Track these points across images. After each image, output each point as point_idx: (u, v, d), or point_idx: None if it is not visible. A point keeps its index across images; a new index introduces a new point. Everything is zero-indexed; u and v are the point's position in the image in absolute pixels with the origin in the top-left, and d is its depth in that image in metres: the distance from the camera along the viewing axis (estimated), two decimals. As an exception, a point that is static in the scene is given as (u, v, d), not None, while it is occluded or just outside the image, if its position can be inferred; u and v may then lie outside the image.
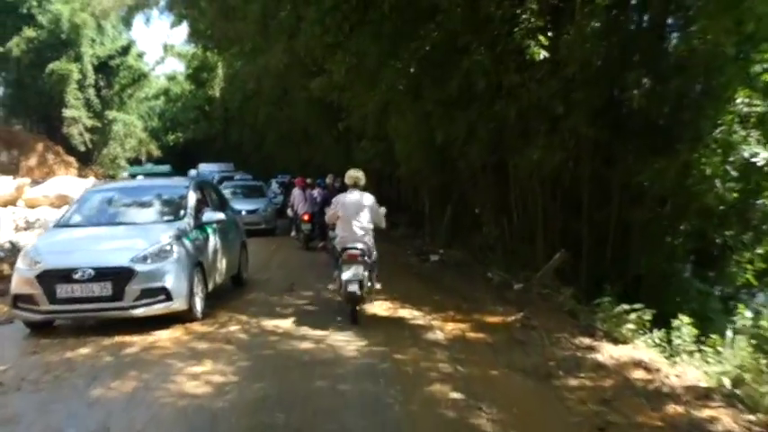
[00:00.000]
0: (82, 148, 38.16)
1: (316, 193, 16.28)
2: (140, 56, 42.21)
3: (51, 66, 35.84)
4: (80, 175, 38.49)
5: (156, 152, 43.55)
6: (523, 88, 9.67)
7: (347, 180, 7.94)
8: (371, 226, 7.71)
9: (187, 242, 7.48)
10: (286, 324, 7.45)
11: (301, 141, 25.44)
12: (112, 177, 42.04)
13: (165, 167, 10.16)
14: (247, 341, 6.71)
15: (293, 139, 26.07)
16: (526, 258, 11.54)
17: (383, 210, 8.09)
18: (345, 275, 7.22)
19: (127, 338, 6.72)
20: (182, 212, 7.91)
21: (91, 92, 38.34)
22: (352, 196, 7.71)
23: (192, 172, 31.52)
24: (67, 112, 36.85)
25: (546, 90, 9.44)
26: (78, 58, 37.58)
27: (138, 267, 6.85)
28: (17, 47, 35.96)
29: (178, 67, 43.49)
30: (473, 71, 10.17)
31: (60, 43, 37.04)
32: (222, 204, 9.86)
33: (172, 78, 44.54)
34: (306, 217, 15.13)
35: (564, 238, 11.00)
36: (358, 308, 7.51)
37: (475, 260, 12.77)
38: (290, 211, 15.99)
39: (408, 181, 17.42)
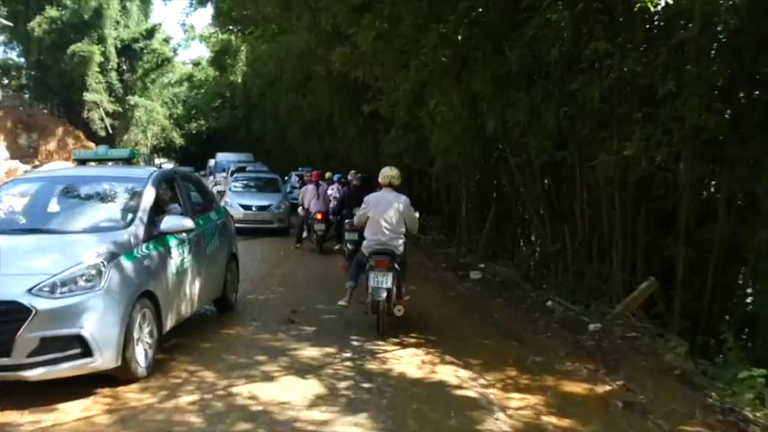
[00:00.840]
0: (102, 134, 36.12)
1: (333, 189, 13.67)
2: (166, 41, 40.03)
3: (73, 47, 33.78)
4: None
5: (179, 140, 41.39)
6: (614, 59, 6.88)
7: (381, 179, 7.05)
8: (403, 230, 6.83)
9: (127, 263, 4.83)
10: (270, 391, 4.76)
11: (325, 133, 22.79)
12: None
13: (124, 152, 7.38)
14: (199, 433, 4.05)
15: (316, 131, 23.43)
16: (596, 283, 8.77)
17: (416, 214, 7.26)
18: (372, 283, 6.43)
19: (13, 417, 4.13)
20: (129, 217, 5.26)
21: (113, 75, 36.30)
22: (385, 197, 6.89)
23: (212, 162, 29.16)
24: (88, 96, 34.87)
25: (648, 61, 6.65)
26: (101, 41, 35.54)
27: (39, 303, 4.22)
28: (39, 27, 34.05)
29: (204, 52, 41.07)
30: (542, 38, 7.45)
31: (83, 24, 35.01)
32: (207, 204, 7.25)
33: (197, 64, 42.19)
34: (318, 216, 12.52)
35: (648, 260, 8.24)
36: (387, 315, 6.54)
37: (526, 280, 9.99)
38: (300, 210, 13.35)
39: (443, 178, 14.64)
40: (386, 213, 6.69)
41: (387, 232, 6.64)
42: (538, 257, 10.48)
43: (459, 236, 13.72)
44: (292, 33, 17.38)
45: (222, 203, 15.85)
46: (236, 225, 15.11)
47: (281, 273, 10.11)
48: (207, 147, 39.24)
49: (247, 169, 18.79)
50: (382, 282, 6.36)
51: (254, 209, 15.10)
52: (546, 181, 9.94)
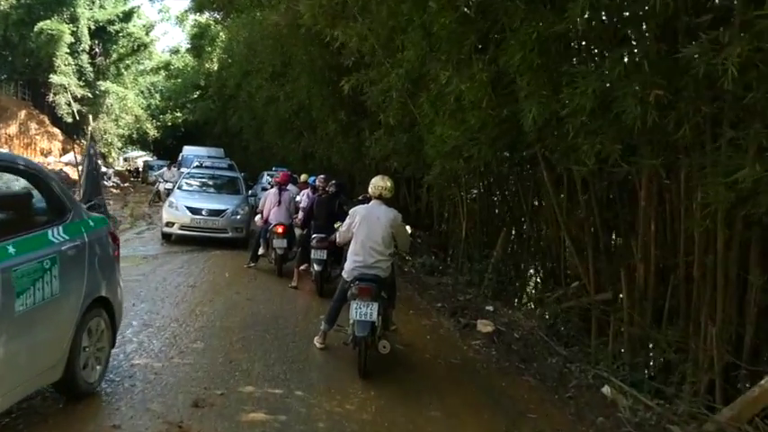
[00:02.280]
0: (69, 119, 32.39)
1: (303, 195, 10.54)
2: (146, 26, 36.49)
3: (41, 24, 30.20)
4: (63, 150, 32.86)
5: (153, 132, 37.78)
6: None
7: (371, 190, 5.86)
8: (392, 251, 5.73)
9: None
10: None
11: (303, 129, 19.56)
12: (102, 156, 36.43)
13: None
14: None
15: (294, 126, 20.15)
16: (673, 360, 5.72)
17: (409, 230, 6.34)
18: (355, 315, 5.27)
19: None
20: None
21: (84, 58, 32.72)
22: (374, 211, 5.70)
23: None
24: (55, 78, 31.21)
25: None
26: (74, 20, 31.97)
27: None
28: (5, 1, 30.39)
29: (184, 42, 37.46)
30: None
31: (54, 1, 31.38)
32: (53, 214, 4.01)
33: (175, 52, 38.65)
34: (279, 229, 9.38)
35: (759, 331, 5.22)
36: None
37: (556, 339, 6.90)
38: (258, 219, 10.19)
39: (438, 190, 11.50)
40: (374, 231, 5.59)
41: (373, 253, 5.55)
42: (572, 306, 7.38)
43: (457, 263, 10.59)
44: (271, 9, 14.43)
45: (166, 204, 12.68)
46: (182, 232, 12.15)
47: (210, 311, 6.83)
48: (183, 140, 35.74)
49: (204, 164, 15.33)
50: (366, 314, 5.25)
51: (204, 213, 11.81)
52: (592, 201, 6.85)
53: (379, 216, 5.62)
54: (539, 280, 9.12)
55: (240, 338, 5.84)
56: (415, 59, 8.37)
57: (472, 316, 7.70)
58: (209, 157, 20.85)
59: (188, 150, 22.75)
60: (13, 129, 31.63)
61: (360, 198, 8.80)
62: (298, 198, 10.79)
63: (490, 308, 8.15)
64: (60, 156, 31.68)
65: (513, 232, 9.98)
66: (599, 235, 7.08)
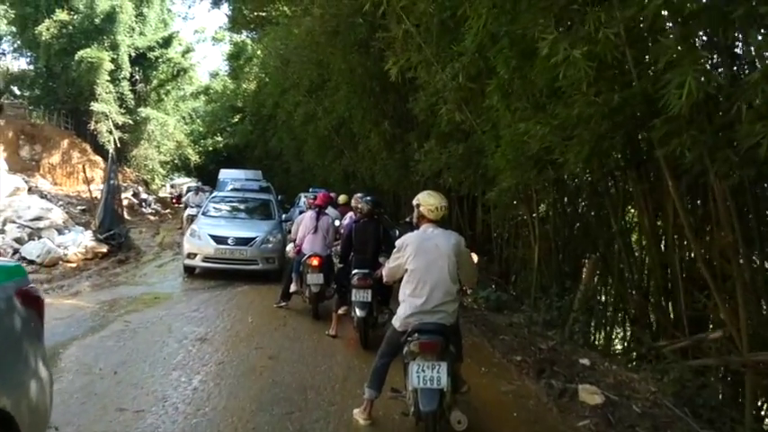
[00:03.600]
0: (111, 147, 31.71)
1: (347, 218, 8.85)
2: (186, 52, 35.79)
3: (81, 53, 29.67)
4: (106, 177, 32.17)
5: (195, 157, 36.81)
6: None
7: (430, 213, 4.28)
8: (458, 287, 4.23)
9: None
10: None
11: (344, 147, 17.92)
12: (145, 182, 35.65)
13: None
14: None
15: (334, 144, 18.55)
16: None
17: (475, 258, 4.56)
18: (418, 381, 3.88)
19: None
20: None
21: (124, 85, 32.06)
22: (431, 238, 4.22)
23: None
24: (97, 106, 30.59)
25: None
26: (114, 47, 31.40)
27: None
28: (47, 31, 30.13)
29: (223, 65, 36.53)
30: None
31: (95, 29, 30.93)
32: None
33: (215, 75, 37.86)
34: (315, 261, 7.55)
35: None
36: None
37: (691, 413, 4.83)
38: (290, 248, 8.45)
39: (503, 209, 9.51)
40: (434, 264, 4.10)
41: (437, 294, 4.06)
42: (711, 365, 5.29)
43: (530, 298, 8.53)
44: (306, 18, 13.03)
45: (188, 233, 11.02)
46: (206, 264, 10.20)
47: (215, 382, 4.93)
48: (224, 164, 34.75)
49: (232, 187, 13.56)
50: (433, 379, 3.83)
51: (230, 242, 10.09)
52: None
53: (437, 243, 4.19)
54: (635, 322, 6.99)
55: (253, 422, 3.97)
56: (474, 49, 6.62)
57: (566, 375, 5.68)
58: (246, 179, 19.27)
59: (224, 174, 21.20)
60: (56, 158, 31.10)
61: (406, 220, 6.93)
62: (337, 222, 9.06)
63: (585, 361, 6.12)
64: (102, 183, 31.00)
65: (603, 260, 7.90)
66: (741, 264, 5.05)
